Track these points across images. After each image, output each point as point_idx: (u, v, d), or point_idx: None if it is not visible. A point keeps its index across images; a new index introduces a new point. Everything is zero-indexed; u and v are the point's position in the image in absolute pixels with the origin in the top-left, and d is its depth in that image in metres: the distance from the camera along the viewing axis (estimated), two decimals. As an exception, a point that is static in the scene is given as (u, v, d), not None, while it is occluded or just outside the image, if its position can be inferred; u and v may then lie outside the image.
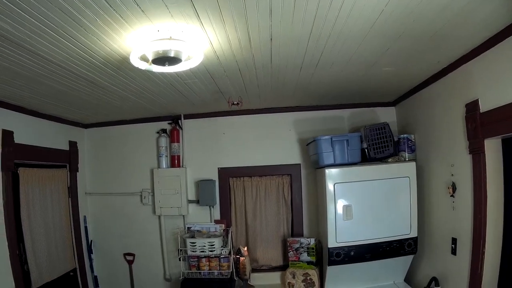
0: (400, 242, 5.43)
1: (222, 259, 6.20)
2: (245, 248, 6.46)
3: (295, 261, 6.20)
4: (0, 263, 4.81)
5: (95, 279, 7.03)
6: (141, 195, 6.97)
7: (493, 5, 2.99)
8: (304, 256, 6.16)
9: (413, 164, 5.51)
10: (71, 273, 6.42)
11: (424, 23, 3.26)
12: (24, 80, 4.16)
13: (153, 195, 6.89)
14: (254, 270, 6.72)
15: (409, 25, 3.30)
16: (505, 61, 3.58)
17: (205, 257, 6.22)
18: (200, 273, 6.26)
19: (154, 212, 6.88)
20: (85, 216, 6.98)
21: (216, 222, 6.69)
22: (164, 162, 6.80)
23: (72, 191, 6.64)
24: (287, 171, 6.81)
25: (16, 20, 2.73)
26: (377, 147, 5.68)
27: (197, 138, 6.91)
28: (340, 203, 5.42)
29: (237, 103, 5.03)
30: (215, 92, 4.63)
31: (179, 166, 6.84)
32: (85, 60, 3.69)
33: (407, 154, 5.71)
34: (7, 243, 4.89)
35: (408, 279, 5.84)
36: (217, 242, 6.12)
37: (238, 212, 6.93)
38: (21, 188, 5.38)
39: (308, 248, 6.15)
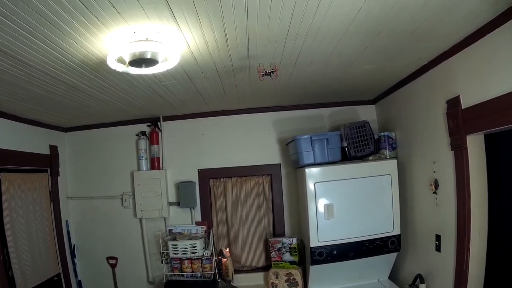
0: (383, 240, 5.45)
1: (204, 261, 6.16)
2: (227, 249, 6.45)
3: (277, 261, 6.18)
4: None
5: (79, 283, 6.99)
6: (122, 198, 6.93)
7: (474, 1, 3.00)
8: (287, 256, 6.14)
9: (395, 161, 5.55)
10: (55, 278, 6.37)
11: (404, 19, 3.27)
12: (2, 85, 4.13)
13: (133, 198, 6.87)
14: (237, 271, 6.73)
15: (388, 22, 3.30)
16: (486, 57, 3.61)
17: (187, 259, 6.18)
18: (183, 275, 6.22)
19: (135, 215, 6.86)
20: (67, 221, 6.92)
21: (197, 224, 6.64)
22: (144, 164, 6.79)
23: (54, 195, 6.58)
24: (267, 171, 6.83)
25: (-7, 25, 2.70)
26: (358, 146, 5.69)
27: (177, 140, 6.91)
28: (321, 202, 5.43)
29: (271, 72, 4.22)
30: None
31: (159, 168, 6.82)
32: (62, 63, 3.66)
33: (388, 151, 5.73)
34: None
35: (392, 276, 5.88)
36: (199, 244, 6.09)
37: (219, 213, 6.93)
38: (3, 193, 5.34)
39: (290, 248, 6.13)
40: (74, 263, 6.94)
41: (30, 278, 5.65)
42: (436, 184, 4.68)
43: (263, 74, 4.14)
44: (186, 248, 6.08)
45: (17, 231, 5.52)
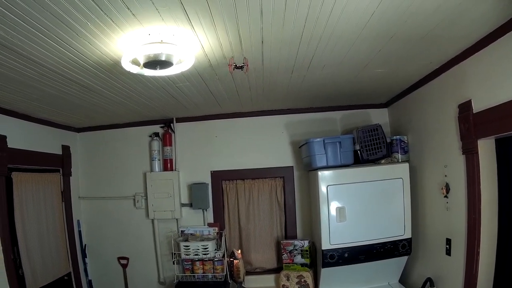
0: (394, 243, 5.43)
1: (216, 262, 6.18)
2: (239, 251, 6.46)
3: (289, 263, 6.18)
4: (-6, 267, 4.79)
5: (89, 283, 7.00)
6: (134, 199, 6.94)
7: (486, 6, 3.00)
8: (298, 258, 6.14)
9: (406, 165, 5.51)
10: (66, 277, 6.40)
11: (416, 24, 3.27)
12: (16, 85, 4.16)
13: (146, 199, 6.87)
14: (248, 273, 6.71)
15: (400, 27, 3.30)
16: (497, 61, 3.59)
17: (199, 260, 6.19)
18: (194, 276, 6.24)
19: (147, 215, 6.86)
20: (78, 221, 6.95)
21: (210, 225, 6.66)
22: (157, 165, 6.80)
23: (66, 195, 6.61)
24: (280, 174, 6.81)
25: (8, 25, 2.74)
26: (370, 149, 5.67)
27: (190, 142, 6.91)
28: (333, 205, 5.41)
29: (242, 66, 4.09)
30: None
31: (171, 169, 6.83)
32: (76, 64, 3.68)
33: (400, 155, 5.71)
34: (1, 248, 4.84)
35: (402, 280, 5.84)
36: (211, 245, 6.10)
37: (231, 215, 6.93)
38: (15, 193, 5.37)
39: (302, 250, 6.13)
40: (85, 263, 6.98)
41: (40, 277, 5.69)
42: (447, 188, 4.66)
43: (234, 68, 4.06)
44: (198, 249, 6.09)
45: (28, 230, 5.56)
